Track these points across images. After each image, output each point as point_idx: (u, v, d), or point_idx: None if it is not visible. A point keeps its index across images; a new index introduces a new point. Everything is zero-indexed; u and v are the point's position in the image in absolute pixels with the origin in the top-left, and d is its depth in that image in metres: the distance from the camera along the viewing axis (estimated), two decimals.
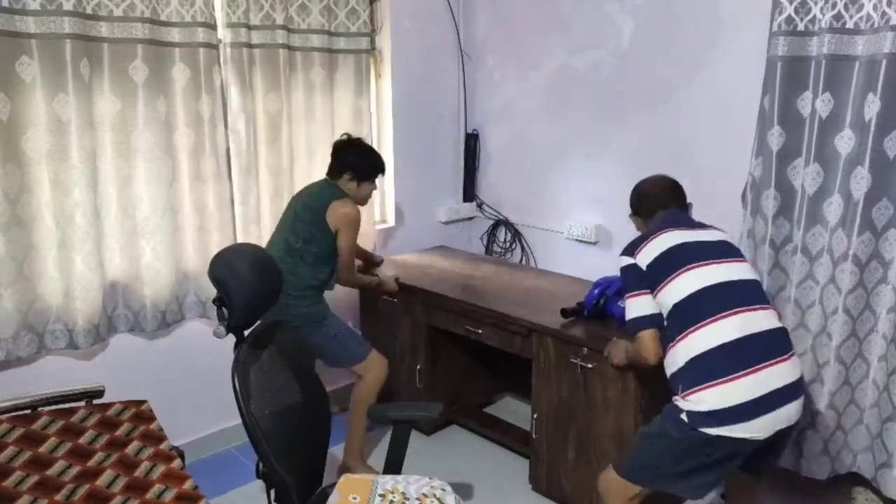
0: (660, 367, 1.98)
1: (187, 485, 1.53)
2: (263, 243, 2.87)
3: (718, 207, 2.70)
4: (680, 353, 1.86)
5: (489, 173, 3.63)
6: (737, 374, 1.77)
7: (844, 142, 2.30)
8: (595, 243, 3.18)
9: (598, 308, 2.44)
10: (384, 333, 3.07)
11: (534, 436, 2.56)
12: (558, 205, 3.33)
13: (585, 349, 2.33)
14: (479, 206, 3.70)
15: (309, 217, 2.56)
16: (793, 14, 2.34)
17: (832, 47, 2.28)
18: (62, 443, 1.66)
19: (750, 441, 1.78)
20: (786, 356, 1.85)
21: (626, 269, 2.02)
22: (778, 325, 1.90)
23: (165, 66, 2.54)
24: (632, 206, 2.24)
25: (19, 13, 2.19)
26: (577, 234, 3.21)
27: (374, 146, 3.23)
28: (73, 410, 1.80)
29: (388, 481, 1.62)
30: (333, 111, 3.09)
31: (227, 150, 2.77)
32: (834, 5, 2.25)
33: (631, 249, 2.03)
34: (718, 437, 1.76)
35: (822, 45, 2.30)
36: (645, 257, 1.97)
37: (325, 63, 3.01)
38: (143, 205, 2.58)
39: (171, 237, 2.64)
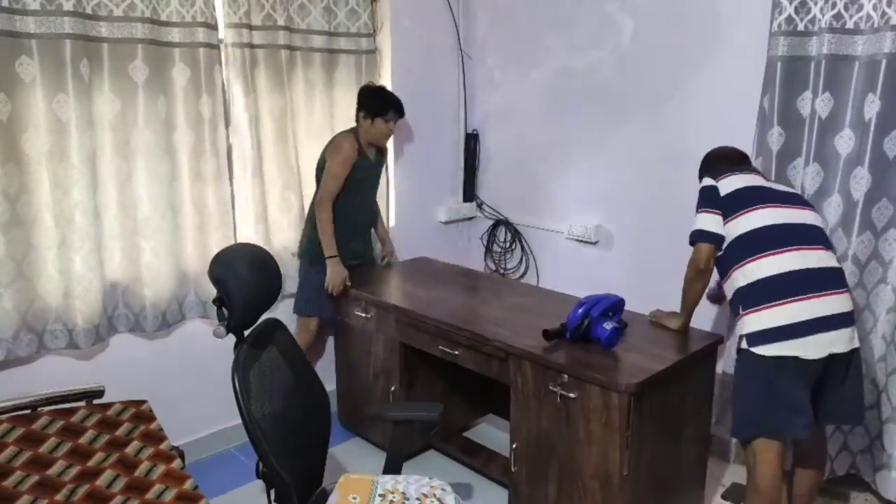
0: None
1: (187, 485, 1.53)
2: (263, 243, 2.88)
3: None
4: (742, 275, 2.04)
5: (489, 173, 3.64)
6: (793, 298, 1.95)
7: (844, 142, 2.31)
8: (595, 243, 3.18)
9: (582, 330, 2.21)
10: (357, 352, 2.91)
11: (513, 468, 2.36)
12: (558, 205, 3.33)
13: (566, 376, 2.11)
14: (479, 206, 3.70)
15: (319, 162, 2.89)
16: (793, 14, 2.34)
17: (832, 47, 2.28)
18: (62, 443, 1.66)
19: (805, 361, 1.93)
20: (841, 290, 2.00)
21: (707, 188, 2.18)
22: (836, 265, 2.04)
23: (166, 66, 2.54)
24: (705, 170, 2.33)
25: (19, 13, 2.19)
26: (578, 234, 3.21)
27: None
28: (73, 410, 1.80)
29: (388, 481, 1.62)
30: (334, 111, 3.09)
31: (228, 149, 2.77)
32: (834, 5, 2.25)
33: (714, 175, 2.20)
34: (777, 357, 1.94)
35: (821, 45, 2.30)
36: (725, 187, 2.14)
37: (327, 63, 3.01)
38: (143, 205, 2.57)
39: (172, 237, 2.64)
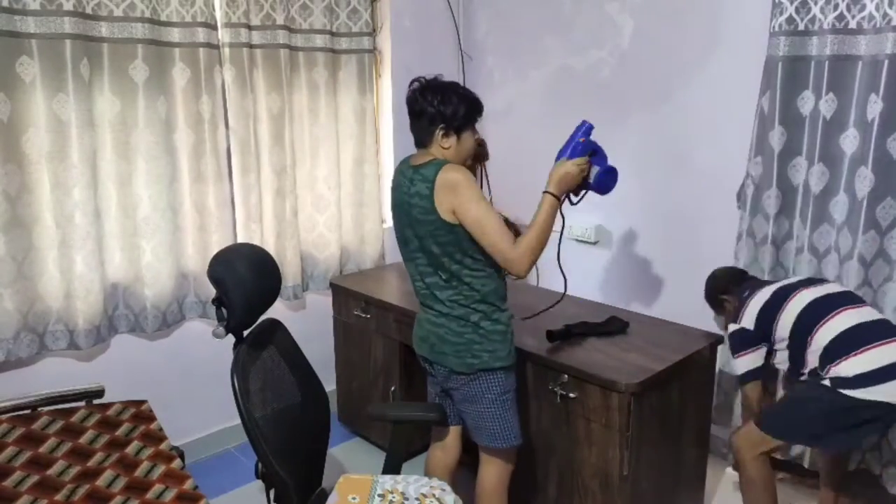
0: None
1: (187, 485, 1.53)
2: (264, 243, 2.88)
3: (717, 207, 2.70)
4: (818, 340, 2.06)
5: (489, 173, 3.63)
6: (868, 346, 1.98)
7: (849, 141, 2.31)
8: (595, 243, 3.18)
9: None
10: (357, 352, 2.91)
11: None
12: None
13: (566, 376, 2.09)
14: None
15: (415, 223, 1.99)
16: (793, 14, 2.34)
17: (834, 48, 2.28)
18: (62, 443, 1.66)
19: (888, 405, 1.94)
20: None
21: (734, 334, 2.25)
22: (882, 316, 2.14)
23: (166, 66, 2.54)
24: (719, 291, 2.44)
25: (19, 13, 2.20)
26: (577, 234, 3.21)
27: (374, 146, 3.24)
28: (73, 410, 1.80)
29: (387, 481, 1.62)
30: (337, 111, 3.10)
31: (228, 150, 2.77)
32: (836, 6, 2.25)
33: (735, 318, 2.27)
34: (861, 399, 1.94)
35: (823, 46, 2.30)
36: (751, 313, 2.21)
37: (329, 63, 3.01)
38: (144, 205, 2.58)
39: (172, 237, 2.65)
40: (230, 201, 2.79)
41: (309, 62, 2.97)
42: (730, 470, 2.79)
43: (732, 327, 2.26)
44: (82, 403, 1.86)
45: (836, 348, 2.01)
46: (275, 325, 1.81)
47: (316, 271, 3.16)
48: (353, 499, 1.54)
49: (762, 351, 2.20)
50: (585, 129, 1.95)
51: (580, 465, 2.14)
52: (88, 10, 2.33)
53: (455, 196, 1.81)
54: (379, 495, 1.55)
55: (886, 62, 2.16)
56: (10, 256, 2.29)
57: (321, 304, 3.15)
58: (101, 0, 2.36)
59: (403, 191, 1.93)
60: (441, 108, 1.89)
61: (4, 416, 1.75)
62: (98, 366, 2.57)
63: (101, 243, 2.49)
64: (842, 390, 1.96)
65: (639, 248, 3.03)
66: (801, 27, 2.34)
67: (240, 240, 2.85)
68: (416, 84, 1.96)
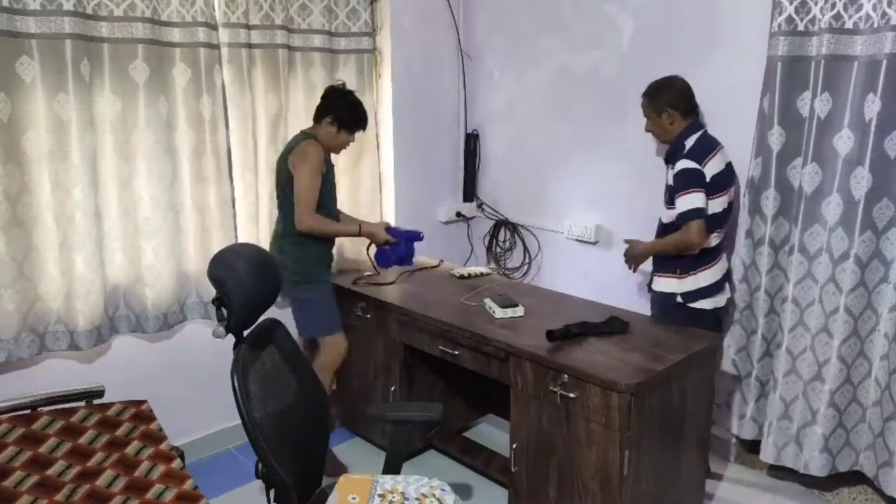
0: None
1: (187, 485, 1.53)
2: (263, 243, 2.88)
3: None
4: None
5: (489, 173, 3.64)
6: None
7: (843, 142, 2.30)
8: (595, 243, 3.18)
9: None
10: (356, 352, 2.90)
11: (513, 468, 2.35)
12: (558, 205, 3.33)
13: (566, 376, 2.10)
14: (480, 206, 3.70)
15: (279, 169, 2.71)
16: (793, 14, 2.34)
17: (831, 47, 2.28)
18: (62, 443, 1.67)
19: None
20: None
21: (694, 171, 2.39)
22: None
23: (166, 66, 2.54)
24: (669, 101, 2.48)
25: (19, 13, 2.20)
26: (577, 234, 3.21)
27: (374, 146, 3.24)
28: (73, 410, 1.80)
29: (387, 481, 1.62)
30: None
31: (228, 149, 2.77)
32: (833, 5, 2.25)
33: (698, 158, 2.40)
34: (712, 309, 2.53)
35: (821, 46, 2.30)
36: (711, 168, 2.40)
37: (327, 63, 3.01)
38: (144, 205, 2.58)
39: (173, 238, 2.65)
40: (231, 201, 2.79)
41: (307, 62, 2.97)
42: (731, 468, 2.79)
43: (692, 164, 2.39)
44: (82, 403, 1.87)
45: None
46: (275, 324, 1.81)
47: None
48: (353, 499, 1.54)
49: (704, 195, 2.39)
50: (414, 236, 2.85)
51: (580, 465, 2.14)
52: (88, 10, 2.33)
53: (299, 162, 2.57)
54: (379, 495, 1.56)
55: (885, 62, 2.16)
56: (11, 257, 2.29)
57: None
58: (102, 0, 2.36)
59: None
60: (339, 108, 2.66)
61: (4, 416, 1.75)
62: (98, 366, 2.57)
63: (102, 244, 2.49)
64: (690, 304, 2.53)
65: None
66: (801, 27, 2.34)
67: (240, 240, 2.85)
68: (341, 86, 2.75)
